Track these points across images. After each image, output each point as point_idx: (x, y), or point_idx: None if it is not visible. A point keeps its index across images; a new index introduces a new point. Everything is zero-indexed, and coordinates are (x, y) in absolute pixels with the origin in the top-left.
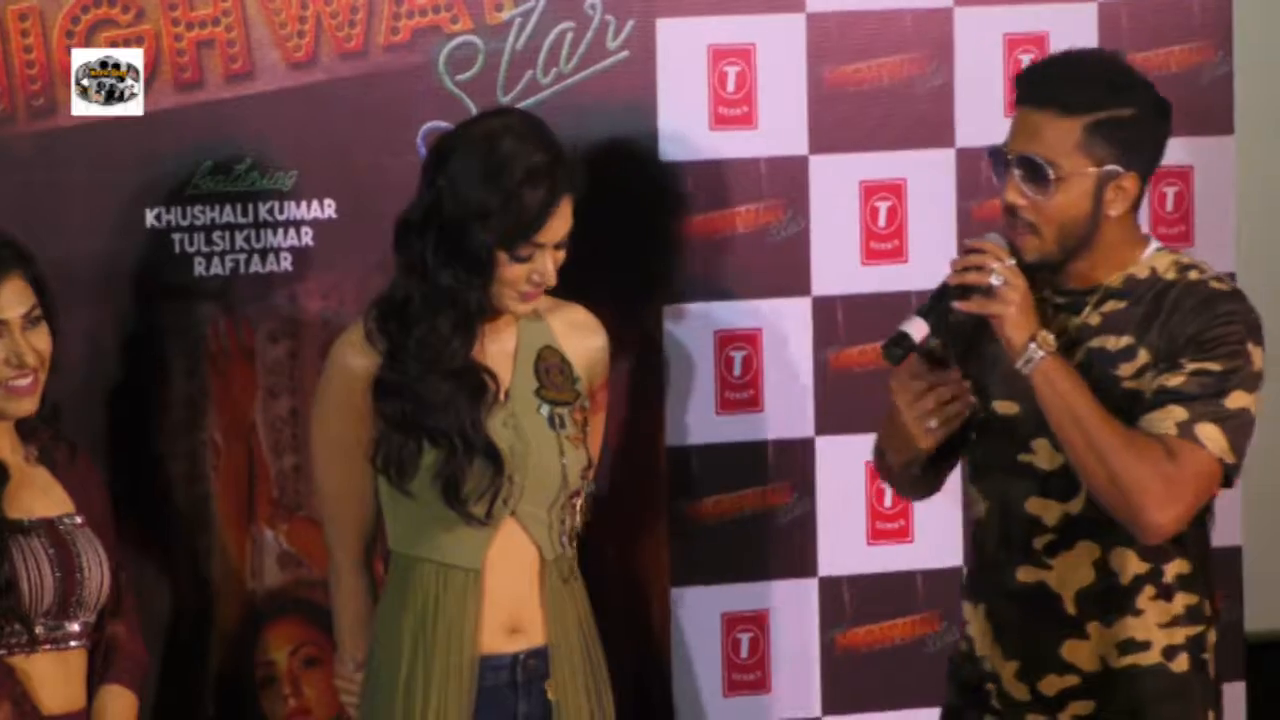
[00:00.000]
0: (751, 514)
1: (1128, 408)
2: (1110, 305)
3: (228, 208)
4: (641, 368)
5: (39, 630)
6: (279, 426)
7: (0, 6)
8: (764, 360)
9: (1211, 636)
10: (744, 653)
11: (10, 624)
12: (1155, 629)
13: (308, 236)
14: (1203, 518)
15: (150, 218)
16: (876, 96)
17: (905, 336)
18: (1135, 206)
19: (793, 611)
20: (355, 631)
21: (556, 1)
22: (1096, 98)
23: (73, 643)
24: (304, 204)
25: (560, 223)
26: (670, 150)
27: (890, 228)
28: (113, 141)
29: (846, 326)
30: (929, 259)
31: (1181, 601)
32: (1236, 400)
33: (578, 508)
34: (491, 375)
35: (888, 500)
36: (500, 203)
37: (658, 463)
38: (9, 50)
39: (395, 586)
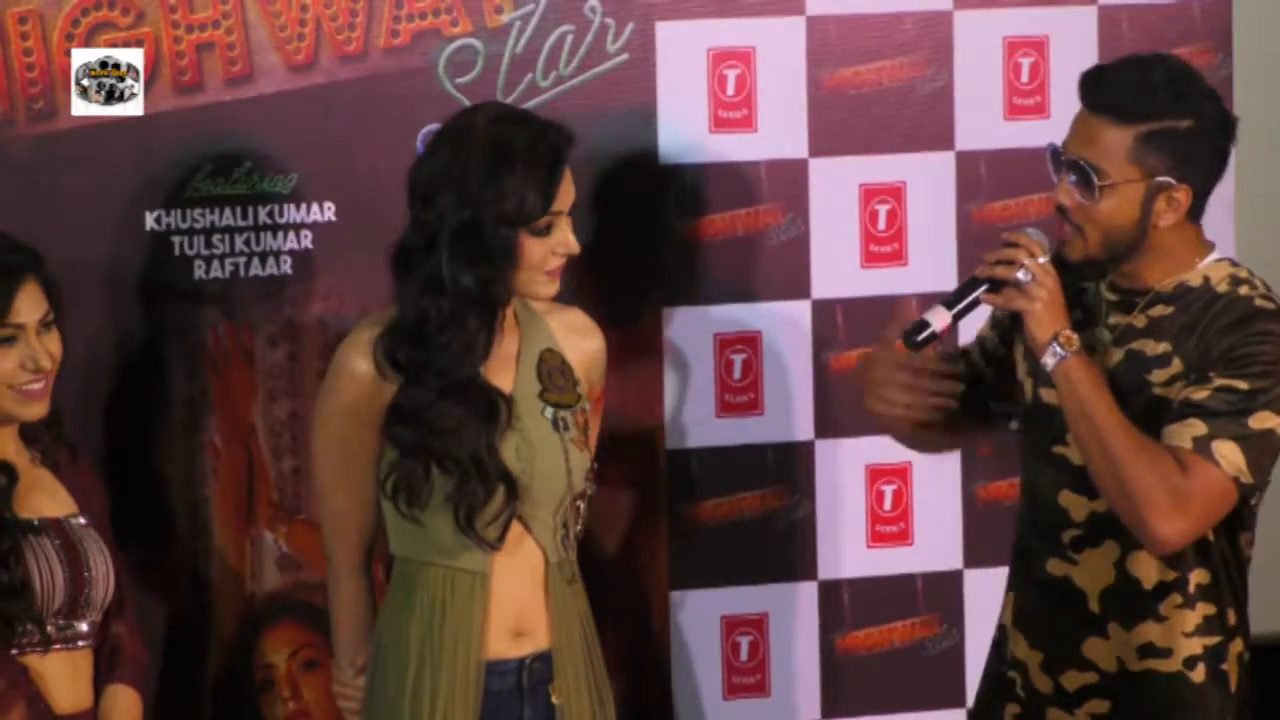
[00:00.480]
0: (751, 517)
1: (1154, 415)
2: (1158, 310)
3: (227, 211)
4: (641, 370)
5: (50, 630)
6: (279, 429)
7: (0, 9)
8: (764, 363)
9: (1235, 648)
10: (744, 656)
11: (24, 624)
12: (1180, 637)
13: (307, 239)
14: (1234, 531)
15: (150, 220)
16: (876, 99)
17: (925, 324)
18: (1195, 216)
19: (792, 614)
20: (354, 637)
21: (556, 4)
22: (1153, 108)
23: (81, 643)
24: (304, 207)
25: (569, 185)
26: (670, 153)
27: (890, 231)
28: (112, 144)
29: (846, 329)
30: (929, 262)
31: (1201, 611)
32: (1262, 420)
33: (580, 510)
34: (503, 397)
35: (887, 503)
36: (515, 183)
37: (657, 465)
38: (9, 53)
39: (400, 591)
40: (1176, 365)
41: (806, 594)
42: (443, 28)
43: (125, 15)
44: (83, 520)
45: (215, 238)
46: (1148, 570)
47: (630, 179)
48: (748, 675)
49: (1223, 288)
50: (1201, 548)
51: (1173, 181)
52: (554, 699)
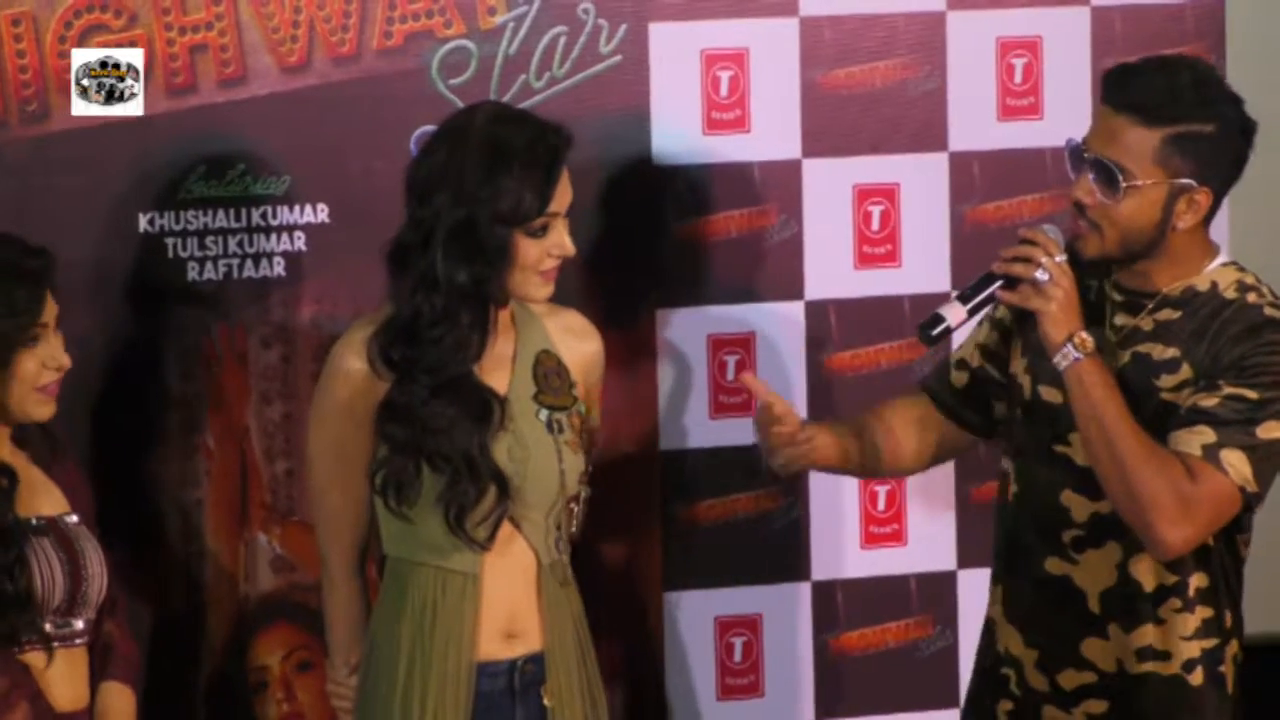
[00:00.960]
0: (745, 518)
1: (1161, 419)
2: (1165, 314)
3: (221, 212)
4: (635, 372)
5: (49, 628)
6: (272, 431)
7: None
8: (757, 364)
9: (1231, 649)
10: (737, 657)
11: (26, 623)
12: (1179, 641)
13: (300, 241)
14: (1231, 533)
15: (143, 223)
16: (869, 100)
17: (940, 319)
18: (1207, 220)
19: (786, 615)
20: (348, 637)
21: (549, 6)
22: (1179, 110)
23: (78, 641)
24: (297, 209)
25: (566, 186)
26: (663, 154)
27: (883, 232)
28: (106, 146)
29: (839, 330)
30: (922, 263)
31: (1200, 615)
32: (1269, 430)
33: (574, 513)
34: (496, 397)
35: (881, 504)
36: (512, 183)
37: (652, 466)
38: (2, 55)
39: (392, 591)
40: (1186, 371)
41: (800, 595)
42: (436, 29)
43: (118, 17)
44: (74, 519)
45: (208, 239)
46: (1149, 573)
47: (624, 180)
48: (742, 676)
49: (1230, 294)
50: (1202, 552)
51: (1194, 184)
52: (546, 701)
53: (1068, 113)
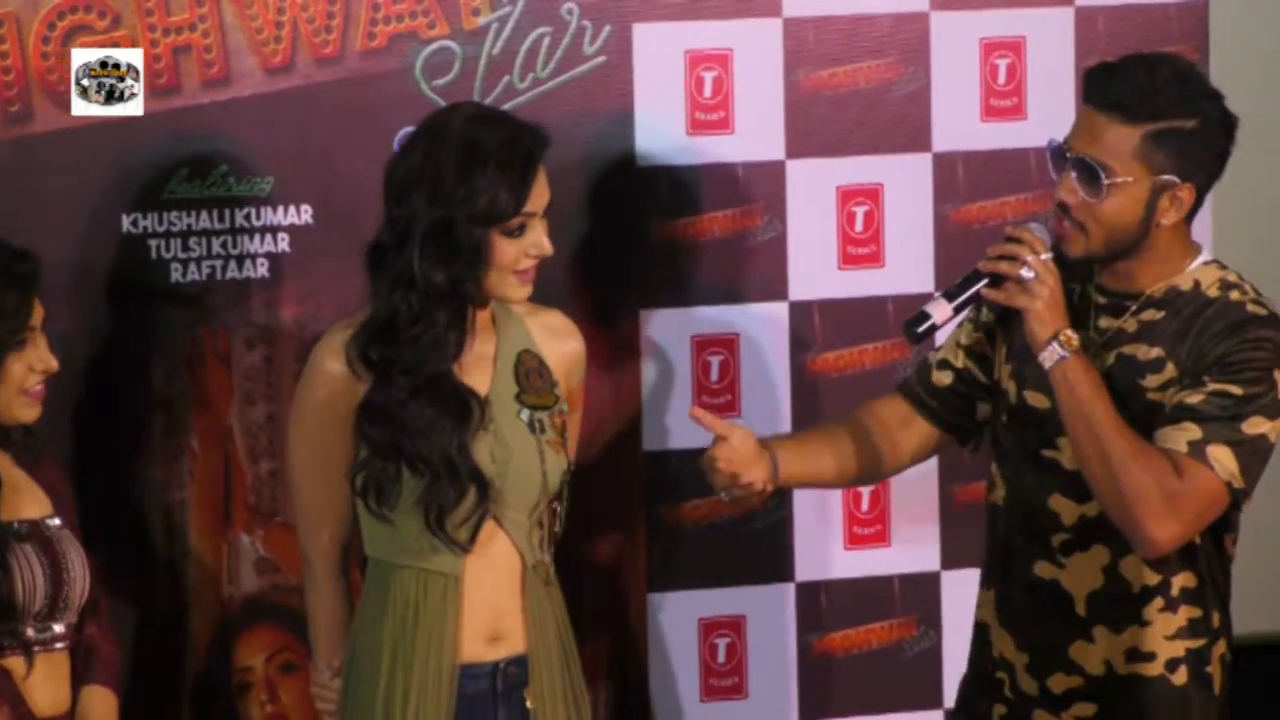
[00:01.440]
0: (729, 518)
1: (1148, 419)
2: (1149, 314)
3: (204, 213)
4: (619, 372)
5: (30, 633)
6: (255, 432)
7: None
8: (741, 364)
9: (1218, 649)
10: (721, 658)
11: (6, 627)
12: (1162, 641)
13: (284, 242)
14: (1219, 532)
15: (126, 223)
16: (853, 101)
17: (926, 316)
18: (1189, 217)
19: (770, 616)
20: (331, 638)
21: (533, 7)
22: (1160, 107)
23: (58, 644)
24: (280, 210)
25: (542, 186)
26: (647, 155)
27: (867, 232)
28: (88, 147)
29: (823, 331)
30: (906, 264)
31: (1185, 614)
32: (1254, 426)
33: (557, 513)
34: (476, 398)
35: (864, 505)
36: (486, 183)
37: (635, 467)
38: None
39: (374, 593)
40: (1171, 370)
41: (785, 596)
42: (419, 30)
43: (102, 18)
44: (57, 521)
45: (192, 240)
46: (1135, 574)
47: (608, 181)
48: (725, 677)
49: (1213, 292)
50: (1187, 551)
51: (1177, 180)
52: (529, 703)
53: (1051, 113)
